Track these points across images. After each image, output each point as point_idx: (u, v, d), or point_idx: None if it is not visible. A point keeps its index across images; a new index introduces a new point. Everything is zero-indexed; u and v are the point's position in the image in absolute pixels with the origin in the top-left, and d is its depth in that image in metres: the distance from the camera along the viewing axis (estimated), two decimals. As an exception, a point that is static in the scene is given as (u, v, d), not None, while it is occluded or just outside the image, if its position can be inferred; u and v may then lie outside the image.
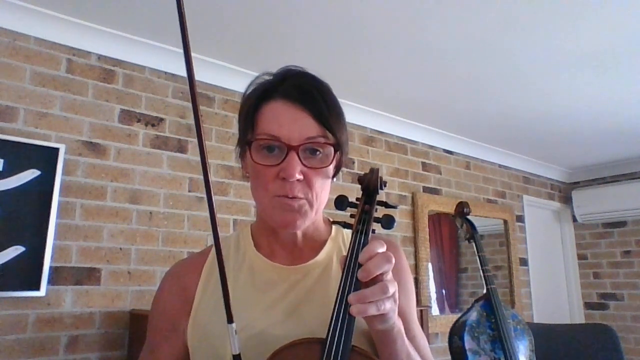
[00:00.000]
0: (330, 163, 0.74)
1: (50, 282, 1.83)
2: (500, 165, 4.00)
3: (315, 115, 0.72)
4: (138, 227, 2.07)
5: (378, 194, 0.73)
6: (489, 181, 3.88)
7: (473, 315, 1.85)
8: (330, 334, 0.62)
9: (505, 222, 3.87)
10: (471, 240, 2.00)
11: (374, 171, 0.74)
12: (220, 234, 0.67)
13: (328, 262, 0.79)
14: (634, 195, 4.07)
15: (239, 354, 0.64)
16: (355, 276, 0.63)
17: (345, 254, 0.70)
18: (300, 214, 0.73)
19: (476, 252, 1.99)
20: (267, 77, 0.78)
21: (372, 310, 0.60)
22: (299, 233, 0.80)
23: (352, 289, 0.63)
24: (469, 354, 1.75)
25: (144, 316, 1.86)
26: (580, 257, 4.52)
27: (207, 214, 2.28)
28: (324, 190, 0.75)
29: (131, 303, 2.00)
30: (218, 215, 2.33)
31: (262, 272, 0.78)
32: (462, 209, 2.06)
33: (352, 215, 0.73)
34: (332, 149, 0.73)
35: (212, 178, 2.42)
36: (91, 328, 1.89)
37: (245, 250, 0.82)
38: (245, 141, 0.74)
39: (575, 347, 2.33)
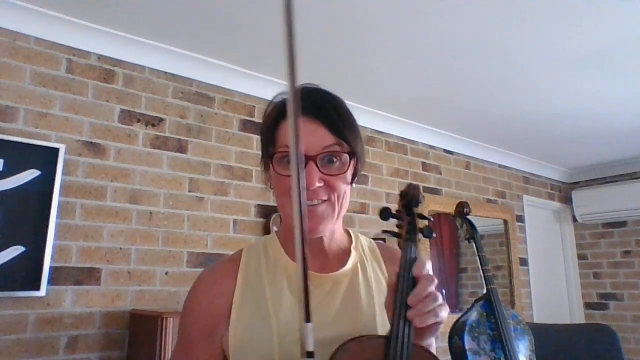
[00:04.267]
0: (347, 169, 0.79)
1: (50, 282, 1.83)
2: (500, 165, 4.00)
3: (329, 126, 0.77)
4: (138, 227, 2.07)
5: (418, 207, 0.82)
6: (489, 181, 3.88)
7: (473, 315, 1.85)
8: (393, 332, 0.69)
9: (505, 222, 3.87)
10: (471, 240, 2.00)
11: (416, 187, 0.82)
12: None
13: (354, 272, 0.85)
14: (634, 195, 4.07)
15: (313, 352, 0.66)
16: (410, 281, 0.71)
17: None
18: (323, 218, 0.78)
19: (476, 252, 1.99)
20: (284, 96, 0.82)
21: (432, 319, 0.68)
22: (326, 240, 0.84)
23: (408, 292, 0.70)
24: (469, 354, 1.75)
25: (144, 316, 1.86)
26: (580, 257, 4.52)
27: (207, 213, 2.28)
28: (346, 195, 0.80)
29: (131, 303, 2.00)
30: (217, 215, 2.34)
31: (297, 279, 0.81)
32: (462, 209, 2.05)
33: (398, 226, 0.81)
34: (347, 156, 0.78)
35: (212, 178, 2.43)
36: (91, 328, 1.89)
37: (275, 257, 0.85)
38: (267, 155, 0.80)
39: (575, 347, 2.33)
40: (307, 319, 0.66)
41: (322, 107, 0.78)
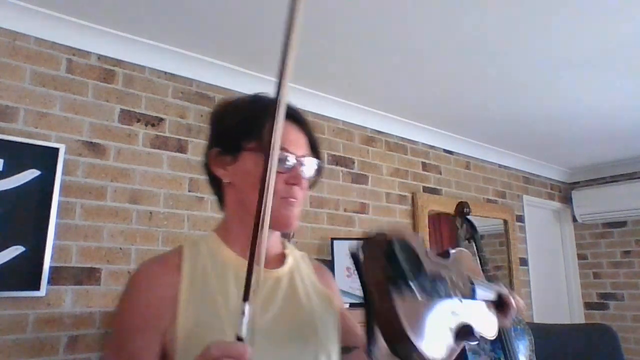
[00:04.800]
0: (316, 175, 0.91)
1: (50, 282, 1.83)
2: (500, 165, 4.00)
3: (308, 137, 0.91)
4: (138, 227, 2.07)
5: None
6: (489, 181, 3.88)
7: (473, 315, 1.85)
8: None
9: (505, 222, 3.86)
10: (471, 240, 2.01)
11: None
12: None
13: (292, 273, 0.92)
14: (634, 195, 4.07)
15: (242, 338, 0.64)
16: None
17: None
18: (298, 214, 0.88)
19: (476, 252, 1.99)
20: (256, 98, 0.90)
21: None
22: (273, 238, 0.92)
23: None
24: (468, 354, 1.75)
25: (144, 316, 1.86)
26: (580, 257, 4.52)
27: (207, 213, 2.28)
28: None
29: (131, 303, 2.00)
30: (217, 215, 2.33)
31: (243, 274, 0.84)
32: (462, 209, 2.06)
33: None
34: (317, 164, 0.90)
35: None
36: (91, 328, 1.89)
37: (221, 255, 0.87)
38: (254, 148, 0.84)
39: (575, 347, 2.33)
40: (246, 297, 0.65)
41: (304, 120, 0.91)
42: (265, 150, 0.80)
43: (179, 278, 0.81)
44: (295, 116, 0.88)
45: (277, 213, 0.83)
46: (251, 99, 0.91)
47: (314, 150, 0.91)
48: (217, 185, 0.92)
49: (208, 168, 0.91)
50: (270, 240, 0.90)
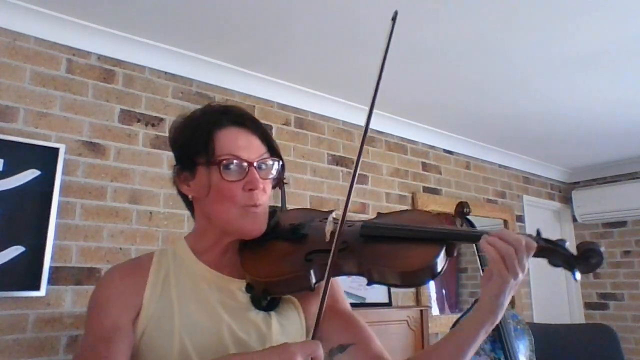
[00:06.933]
0: (277, 173, 0.90)
1: (50, 282, 1.83)
2: (500, 165, 4.00)
3: (261, 137, 0.89)
4: (138, 227, 2.07)
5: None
6: (489, 181, 3.88)
7: (473, 315, 1.85)
8: None
9: (505, 222, 3.86)
10: (471, 240, 2.01)
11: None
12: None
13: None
14: (634, 195, 4.07)
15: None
16: None
17: None
18: (264, 218, 0.88)
19: (476, 252, 1.99)
20: (205, 110, 0.91)
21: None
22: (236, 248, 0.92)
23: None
24: (469, 354, 1.75)
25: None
26: (580, 257, 4.51)
27: (207, 214, 2.28)
28: (270, 198, 0.91)
29: (131, 303, 2.00)
30: (218, 215, 2.33)
31: (203, 278, 0.89)
32: (462, 209, 2.06)
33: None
34: (277, 162, 0.90)
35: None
36: (91, 328, 1.89)
37: (185, 261, 0.90)
38: (205, 162, 0.85)
39: (575, 347, 2.33)
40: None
41: (252, 120, 0.90)
42: (212, 162, 0.83)
43: (147, 280, 0.86)
44: (242, 121, 0.88)
45: (237, 222, 0.85)
46: (199, 113, 0.91)
47: (271, 149, 0.90)
48: (187, 200, 0.95)
49: (176, 185, 0.94)
50: (235, 249, 0.91)
